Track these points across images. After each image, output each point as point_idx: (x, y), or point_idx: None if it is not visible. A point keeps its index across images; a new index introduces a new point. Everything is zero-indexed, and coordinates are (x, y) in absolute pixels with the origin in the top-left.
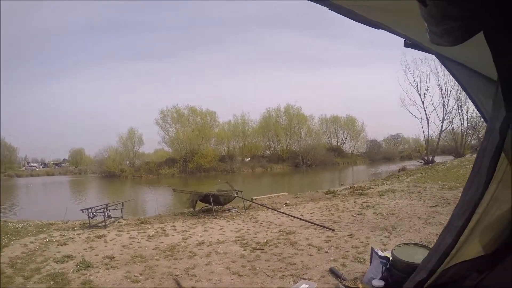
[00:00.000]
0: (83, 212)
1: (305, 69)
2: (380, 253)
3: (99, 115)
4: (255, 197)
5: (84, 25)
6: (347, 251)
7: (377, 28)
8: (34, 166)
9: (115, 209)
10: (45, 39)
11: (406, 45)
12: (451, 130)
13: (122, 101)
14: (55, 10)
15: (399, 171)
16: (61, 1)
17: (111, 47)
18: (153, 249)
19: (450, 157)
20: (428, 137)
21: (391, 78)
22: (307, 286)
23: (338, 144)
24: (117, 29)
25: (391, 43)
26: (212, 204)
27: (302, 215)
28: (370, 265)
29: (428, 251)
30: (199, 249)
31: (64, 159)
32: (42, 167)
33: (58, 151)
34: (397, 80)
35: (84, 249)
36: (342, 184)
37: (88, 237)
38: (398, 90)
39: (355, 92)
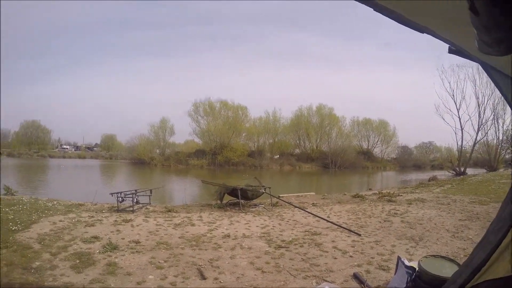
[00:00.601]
0: (112, 196)
1: (334, 71)
2: (407, 262)
3: (131, 104)
4: (282, 195)
5: (115, 21)
6: (372, 258)
7: (422, 32)
8: (67, 148)
9: (143, 195)
10: (81, 32)
11: (450, 51)
12: (485, 142)
13: (154, 92)
14: (94, 6)
15: (429, 180)
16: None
17: (144, 43)
18: (179, 237)
19: (483, 170)
20: (462, 147)
21: (425, 82)
22: None
23: (369, 147)
24: (147, 25)
25: (428, 46)
26: (239, 198)
27: (328, 217)
28: (394, 274)
29: (455, 266)
30: (224, 242)
31: (96, 144)
32: (75, 150)
33: (90, 136)
34: (432, 85)
35: (111, 232)
36: (370, 189)
37: (115, 221)
38: (433, 95)
39: (386, 95)
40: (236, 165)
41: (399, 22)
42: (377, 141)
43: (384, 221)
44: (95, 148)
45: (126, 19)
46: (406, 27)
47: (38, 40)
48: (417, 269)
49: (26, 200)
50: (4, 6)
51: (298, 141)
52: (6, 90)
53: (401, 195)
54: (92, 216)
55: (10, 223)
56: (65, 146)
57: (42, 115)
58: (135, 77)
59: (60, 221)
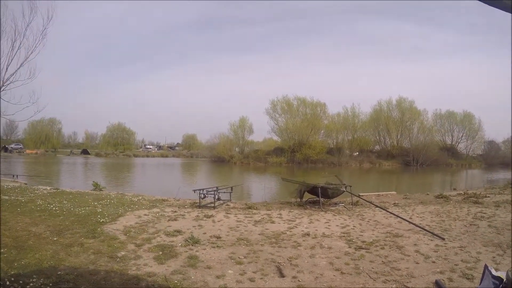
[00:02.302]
0: (194, 192)
1: (410, 60)
2: (494, 272)
3: (210, 104)
4: (362, 194)
5: (193, 21)
6: (456, 265)
7: (511, 12)
8: (150, 148)
9: (224, 192)
10: (160, 36)
11: None
12: None
13: (232, 91)
14: (168, 9)
15: None
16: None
17: (222, 42)
18: (259, 234)
19: None
20: None
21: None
22: None
23: (452, 143)
24: (223, 25)
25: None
26: (319, 196)
27: (411, 218)
28: (480, 284)
29: None
30: (303, 240)
31: (178, 143)
32: (157, 149)
33: (172, 136)
34: None
35: (193, 226)
36: (454, 189)
37: (197, 216)
38: None
39: (470, 84)
40: (314, 163)
41: (483, 2)
42: (462, 136)
43: (470, 224)
44: (176, 148)
45: (202, 19)
46: (492, 7)
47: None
48: (504, 280)
49: (113, 195)
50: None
51: (377, 137)
52: (93, 96)
53: (488, 196)
54: (175, 211)
55: (99, 216)
56: (148, 146)
57: (127, 119)
58: (214, 76)
59: (145, 215)
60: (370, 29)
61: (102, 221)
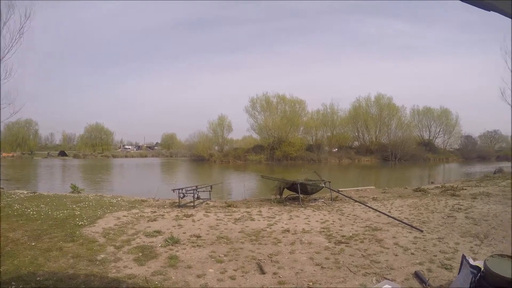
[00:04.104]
0: (173, 192)
1: (393, 58)
2: (472, 261)
3: (190, 103)
4: (341, 189)
5: (174, 22)
6: (435, 256)
7: (488, 10)
8: (129, 148)
9: (203, 191)
10: (139, 38)
11: None
12: None
13: (212, 90)
14: (147, 10)
15: (494, 172)
16: (152, 1)
17: (200, 42)
18: (239, 232)
19: None
20: None
21: (490, 66)
22: (390, 287)
23: (430, 138)
24: (204, 25)
25: (491, 27)
26: (299, 192)
27: (389, 212)
28: (458, 274)
29: None
30: (283, 237)
31: (157, 143)
32: (136, 149)
33: (151, 135)
34: (496, 68)
35: (173, 226)
36: (432, 182)
37: (177, 216)
38: (499, 80)
39: (448, 82)
40: (294, 160)
41: (463, 1)
42: (439, 131)
43: (448, 216)
44: (155, 147)
45: (183, 20)
46: (472, 6)
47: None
48: (482, 269)
49: (92, 197)
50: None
51: (356, 134)
52: (70, 96)
53: (465, 189)
54: (155, 212)
55: (77, 219)
56: (127, 146)
57: (105, 118)
58: (194, 76)
59: (124, 216)
60: (357, 28)
61: (81, 224)
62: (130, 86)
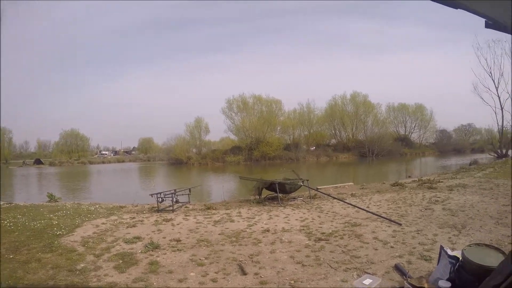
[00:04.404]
0: (152, 196)
1: (365, 57)
2: (450, 252)
3: (167, 106)
4: (320, 187)
5: (148, 23)
6: (414, 248)
7: (456, 8)
8: (106, 153)
9: (182, 195)
10: (112, 39)
11: (487, 25)
12: None
13: (189, 92)
14: (120, 10)
15: (470, 164)
16: (125, 1)
17: (174, 44)
18: (219, 234)
19: None
20: (502, 128)
21: (462, 62)
22: (371, 281)
23: (406, 133)
24: (179, 26)
25: (463, 24)
26: (277, 192)
27: (368, 207)
28: (437, 264)
29: (500, 254)
30: (263, 237)
31: (134, 147)
32: (113, 155)
33: (128, 140)
34: (468, 64)
35: (152, 231)
36: (409, 176)
37: (156, 220)
38: (471, 75)
39: (421, 78)
40: (272, 159)
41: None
42: (414, 126)
43: (425, 209)
44: (133, 152)
45: (159, 19)
46: (440, 4)
47: (76, 48)
48: (460, 258)
49: (69, 206)
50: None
51: (333, 131)
52: (43, 101)
53: (442, 182)
54: (133, 217)
55: (55, 228)
56: (104, 152)
57: (80, 124)
58: (169, 78)
59: (103, 223)
60: (331, 28)
61: (59, 234)
62: (104, 88)
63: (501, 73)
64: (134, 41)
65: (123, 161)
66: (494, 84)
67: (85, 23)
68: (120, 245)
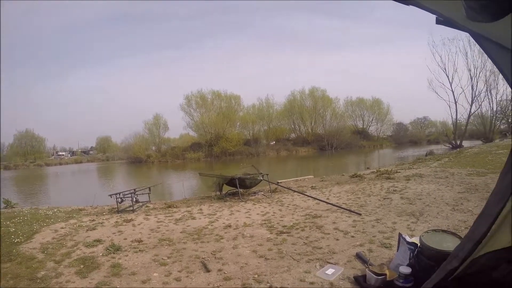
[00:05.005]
0: (111, 197)
1: (325, 52)
2: (408, 239)
3: (124, 104)
4: (281, 181)
5: (102, 19)
6: (374, 236)
7: (407, 4)
8: (63, 154)
9: (142, 194)
10: (65, 36)
11: (438, 21)
12: (479, 114)
13: (146, 89)
14: (75, 6)
15: (426, 155)
16: None
17: (128, 41)
18: (181, 232)
19: (479, 142)
20: (456, 120)
21: (418, 59)
22: (333, 270)
23: (364, 127)
24: (134, 22)
25: (418, 21)
26: (238, 187)
27: (328, 199)
28: (397, 251)
29: (457, 239)
30: (225, 232)
31: (92, 147)
32: (71, 156)
33: (85, 140)
34: (424, 61)
35: (113, 233)
36: (368, 168)
37: (116, 222)
38: (426, 72)
39: (378, 74)
40: (233, 155)
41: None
42: (372, 120)
43: (384, 198)
44: (91, 152)
45: (108, 16)
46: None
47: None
48: (419, 244)
49: (26, 211)
50: None
51: (293, 126)
52: None
53: (399, 172)
54: (93, 220)
55: (12, 236)
56: (60, 153)
57: (34, 124)
58: (126, 75)
59: (62, 228)
60: (287, 24)
61: (17, 241)
62: (56, 86)
63: (455, 69)
64: (83, 39)
65: (81, 162)
66: (448, 80)
67: (26, 21)
68: (81, 249)
